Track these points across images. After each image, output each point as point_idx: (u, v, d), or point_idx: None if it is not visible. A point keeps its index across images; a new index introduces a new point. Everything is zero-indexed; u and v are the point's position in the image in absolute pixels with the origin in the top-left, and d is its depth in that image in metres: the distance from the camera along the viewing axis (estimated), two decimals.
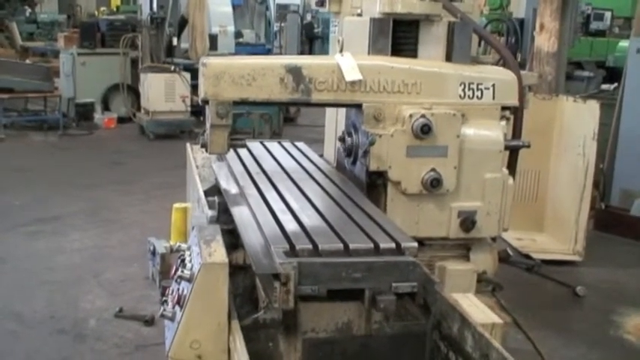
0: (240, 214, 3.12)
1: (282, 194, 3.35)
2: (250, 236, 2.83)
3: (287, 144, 4.60)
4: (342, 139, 3.87)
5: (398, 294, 2.61)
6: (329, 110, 5.35)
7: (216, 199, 3.35)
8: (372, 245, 2.70)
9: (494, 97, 3.70)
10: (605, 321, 5.70)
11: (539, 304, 5.93)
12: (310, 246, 2.63)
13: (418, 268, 2.63)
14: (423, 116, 3.49)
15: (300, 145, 4.61)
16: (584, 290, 6.16)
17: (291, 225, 2.88)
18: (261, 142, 4.55)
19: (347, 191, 3.50)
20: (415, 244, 2.75)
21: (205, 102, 3.31)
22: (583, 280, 6.40)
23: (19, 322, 5.29)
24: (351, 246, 2.66)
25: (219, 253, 2.61)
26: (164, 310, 2.73)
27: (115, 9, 24.73)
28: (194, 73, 12.08)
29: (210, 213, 3.14)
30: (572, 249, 6.92)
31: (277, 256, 2.54)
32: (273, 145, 4.51)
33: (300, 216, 3.01)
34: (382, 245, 2.70)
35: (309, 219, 2.98)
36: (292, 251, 2.59)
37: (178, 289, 2.70)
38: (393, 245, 2.72)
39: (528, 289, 6.21)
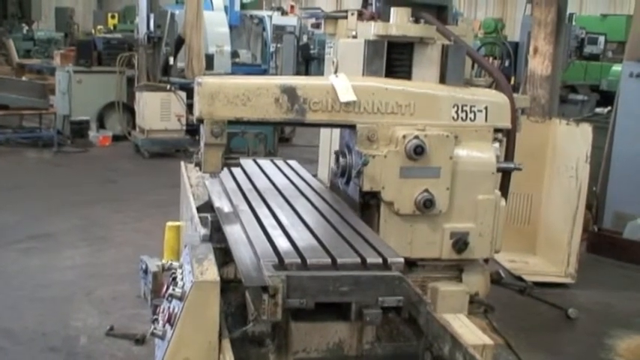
0: (231, 229, 3.16)
1: (273, 210, 3.40)
2: (241, 251, 2.88)
3: (280, 162, 4.63)
4: (336, 159, 3.88)
5: (384, 308, 2.65)
6: (323, 131, 5.38)
7: (208, 217, 3.37)
8: (359, 260, 2.76)
9: (486, 120, 3.72)
10: (597, 343, 5.70)
11: (531, 326, 5.93)
12: (299, 260, 2.69)
13: (404, 282, 2.68)
14: (416, 137, 3.51)
15: (293, 163, 4.64)
16: (577, 313, 6.15)
17: (281, 240, 2.94)
18: (254, 160, 4.57)
19: (336, 208, 3.55)
20: (401, 260, 2.79)
21: (200, 121, 3.33)
22: (575, 303, 6.40)
23: (9, 338, 5.26)
24: (339, 260, 2.72)
25: (211, 271, 2.62)
26: (155, 328, 2.73)
27: (112, 28, 24.77)
28: (190, 92, 12.09)
29: (202, 231, 3.15)
30: (564, 271, 6.92)
31: (266, 269, 2.59)
32: (266, 163, 4.53)
33: (290, 231, 3.07)
34: (369, 260, 2.76)
35: (299, 234, 3.04)
36: (281, 265, 2.65)
37: (169, 308, 2.70)
38: (380, 260, 2.77)
39: (520, 311, 6.21)
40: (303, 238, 2.99)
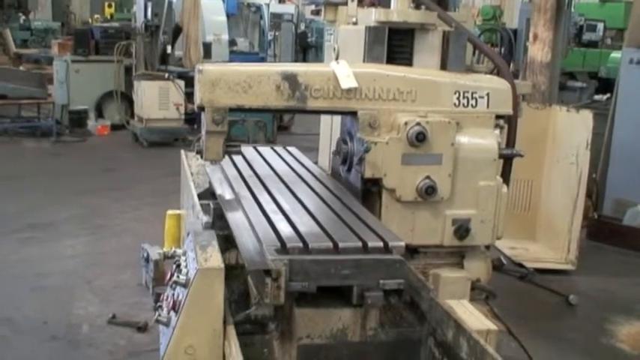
0: (233, 215, 3.18)
1: (274, 196, 3.41)
2: (243, 236, 2.89)
3: (279, 149, 4.63)
4: (337, 146, 3.88)
5: (386, 292, 2.67)
6: (323, 119, 5.36)
7: (210, 204, 3.37)
8: (360, 244, 2.77)
9: (488, 106, 3.71)
10: (597, 329, 5.72)
11: (532, 313, 5.94)
12: (301, 244, 2.70)
13: (405, 265, 2.70)
14: (418, 124, 3.49)
15: (292, 149, 4.64)
16: (577, 299, 6.17)
17: (282, 225, 2.94)
18: (254, 147, 4.57)
19: (336, 193, 3.56)
20: (402, 243, 2.80)
21: (201, 108, 3.31)
22: (576, 289, 6.42)
23: (11, 327, 5.27)
24: (340, 244, 2.73)
25: (215, 258, 2.62)
26: (159, 315, 2.73)
27: (109, 17, 24.70)
28: (188, 81, 12.09)
29: (205, 219, 3.14)
30: (565, 258, 6.94)
31: (269, 253, 2.61)
32: (266, 150, 4.54)
33: (291, 216, 3.08)
34: (370, 244, 2.77)
35: (300, 219, 3.05)
36: (283, 249, 2.66)
37: (173, 295, 2.70)
38: (381, 244, 2.78)
39: (521, 297, 6.23)
40: (304, 223, 3.00)
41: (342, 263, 2.63)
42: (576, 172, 6.82)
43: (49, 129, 12.99)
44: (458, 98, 3.66)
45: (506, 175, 3.94)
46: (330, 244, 2.74)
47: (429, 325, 2.78)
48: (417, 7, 3.91)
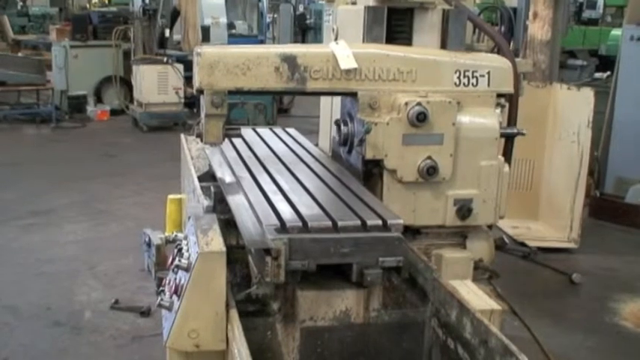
0: (233, 196, 3.18)
1: (273, 177, 3.41)
2: (243, 216, 2.90)
3: (278, 130, 4.63)
4: (337, 127, 3.85)
5: (387, 271, 2.69)
6: (323, 101, 5.32)
7: (211, 187, 3.35)
8: (359, 222, 2.77)
9: (489, 85, 3.68)
10: (601, 308, 5.72)
11: (535, 292, 5.95)
12: (300, 223, 2.71)
13: (403, 243, 2.71)
14: (418, 104, 3.47)
15: (291, 130, 4.63)
16: (580, 277, 6.17)
17: (282, 205, 2.95)
18: (254, 129, 4.56)
19: (335, 173, 3.57)
20: (401, 221, 2.80)
21: (200, 92, 3.29)
22: (579, 268, 6.41)
23: (14, 314, 5.28)
24: (339, 223, 2.73)
25: (216, 241, 2.61)
26: (162, 299, 2.72)
27: (106, 1, 24.62)
28: (187, 65, 12.05)
29: (206, 202, 3.13)
30: (567, 236, 6.93)
31: (269, 232, 2.61)
32: (265, 132, 4.53)
33: (290, 196, 3.08)
34: (369, 222, 2.77)
35: (300, 199, 3.05)
36: (283, 228, 2.66)
37: (176, 279, 2.69)
38: (380, 222, 2.78)
39: (524, 276, 6.23)
40: (304, 203, 3.00)
41: (341, 242, 2.64)
42: (578, 150, 6.80)
43: (48, 115, 12.97)
44: (458, 77, 3.63)
45: (508, 155, 3.91)
46: (330, 223, 2.74)
47: (432, 305, 2.78)
48: None
